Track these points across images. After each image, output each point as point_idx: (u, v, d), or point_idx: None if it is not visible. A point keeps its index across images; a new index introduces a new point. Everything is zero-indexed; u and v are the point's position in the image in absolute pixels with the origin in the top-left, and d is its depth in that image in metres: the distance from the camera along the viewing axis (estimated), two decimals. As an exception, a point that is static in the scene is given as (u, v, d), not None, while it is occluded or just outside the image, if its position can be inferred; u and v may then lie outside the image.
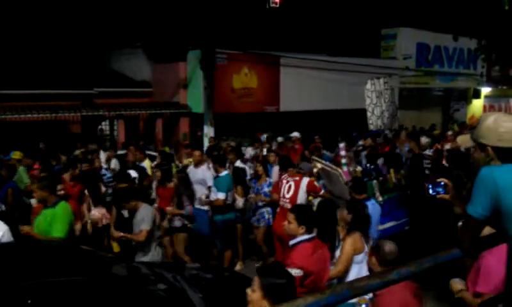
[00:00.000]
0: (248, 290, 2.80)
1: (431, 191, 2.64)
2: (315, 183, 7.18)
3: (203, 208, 7.56)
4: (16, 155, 9.50)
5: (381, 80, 11.83)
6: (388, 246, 3.63)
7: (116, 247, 6.63)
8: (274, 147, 11.69)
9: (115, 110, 16.09)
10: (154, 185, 8.22)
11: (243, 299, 2.82)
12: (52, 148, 11.28)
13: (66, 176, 7.76)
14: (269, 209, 7.59)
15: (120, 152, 11.57)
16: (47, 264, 3.93)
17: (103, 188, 7.97)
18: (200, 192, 7.59)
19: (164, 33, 16.13)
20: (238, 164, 9.24)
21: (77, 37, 16.40)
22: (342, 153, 7.93)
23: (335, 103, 18.50)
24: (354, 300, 2.94)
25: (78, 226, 6.86)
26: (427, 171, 8.30)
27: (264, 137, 13.01)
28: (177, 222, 7.05)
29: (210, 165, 8.07)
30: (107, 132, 17.61)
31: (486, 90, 24.91)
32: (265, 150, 10.91)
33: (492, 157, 2.33)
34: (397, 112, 13.02)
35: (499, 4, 11.15)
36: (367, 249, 4.44)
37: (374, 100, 11.62)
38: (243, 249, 8.05)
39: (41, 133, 13.95)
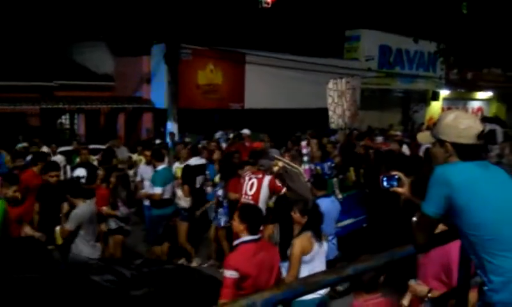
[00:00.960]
0: None
1: (385, 183, 2.68)
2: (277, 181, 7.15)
3: (146, 203, 7.64)
4: None
5: (343, 80, 12.03)
6: None
7: (59, 240, 6.45)
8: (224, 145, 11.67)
9: (75, 103, 15.72)
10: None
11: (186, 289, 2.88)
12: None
13: (36, 169, 7.35)
14: (220, 210, 7.46)
15: (62, 149, 11.70)
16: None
17: None
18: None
19: (128, 26, 15.84)
20: (194, 160, 8.88)
21: (38, 27, 15.90)
22: (304, 151, 7.99)
23: (299, 102, 18.64)
24: None
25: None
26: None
27: (220, 134, 12.96)
28: (112, 224, 6.88)
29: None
30: (68, 126, 17.19)
31: (444, 93, 25.57)
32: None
33: (451, 153, 2.38)
34: (358, 112, 13.26)
35: (458, 9, 11.51)
36: (317, 247, 4.46)
37: (336, 99, 11.81)
38: (196, 247, 8.01)
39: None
